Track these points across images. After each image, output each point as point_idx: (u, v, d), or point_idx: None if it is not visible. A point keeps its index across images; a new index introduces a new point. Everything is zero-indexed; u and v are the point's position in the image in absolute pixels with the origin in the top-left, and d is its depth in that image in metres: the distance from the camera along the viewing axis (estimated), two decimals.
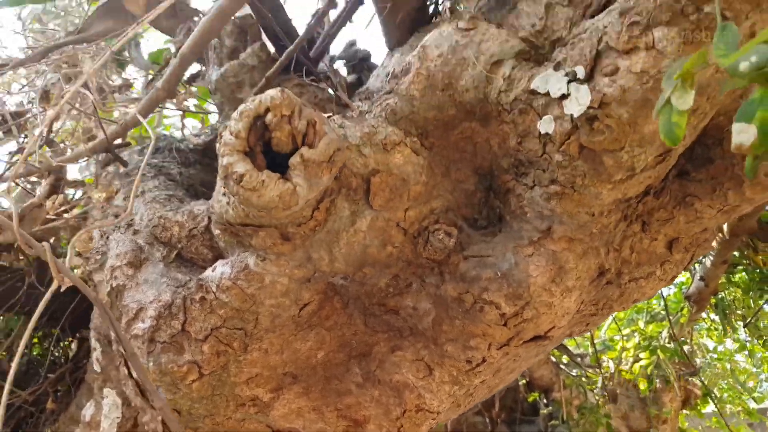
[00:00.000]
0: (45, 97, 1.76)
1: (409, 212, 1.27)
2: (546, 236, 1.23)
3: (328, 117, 1.28)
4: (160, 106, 2.27)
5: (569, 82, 1.12)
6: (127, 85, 2.02)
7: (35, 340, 2.84)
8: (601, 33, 1.10)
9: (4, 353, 2.72)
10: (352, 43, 2.28)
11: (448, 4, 1.66)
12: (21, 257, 2.63)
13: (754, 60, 0.70)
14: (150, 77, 2.37)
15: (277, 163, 1.07)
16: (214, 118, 2.79)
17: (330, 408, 1.34)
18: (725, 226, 2.87)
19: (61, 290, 1.11)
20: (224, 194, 1.13)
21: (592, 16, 1.22)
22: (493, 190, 1.36)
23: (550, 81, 1.15)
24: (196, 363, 1.22)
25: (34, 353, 2.85)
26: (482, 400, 1.56)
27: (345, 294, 1.34)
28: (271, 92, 1.01)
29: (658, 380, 3.71)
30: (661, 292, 3.65)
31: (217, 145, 1.02)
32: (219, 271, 1.23)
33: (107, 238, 1.60)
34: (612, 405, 3.70)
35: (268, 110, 1.00)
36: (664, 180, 1.36)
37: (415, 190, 1.27)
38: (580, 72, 1.11)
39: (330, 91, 1.91)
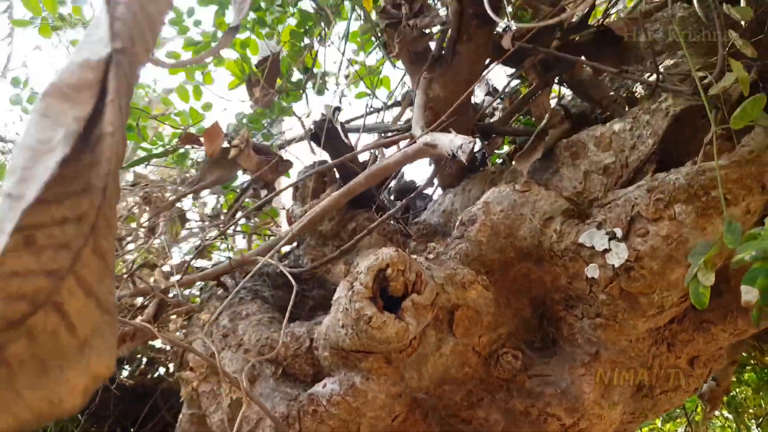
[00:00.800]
0: (152, 229, 2.10)
1: (482, 338, 1.56)
2: (594, 359, 1.51)
3: (415, 258, 1.60)
4: (233, 231, 2.61)
5: (610, 239, 1.46)
6: (218, 215, 2.38)
7: None
8: (633, 203, 1.45)
9: None
10: (402, 176, 2.67)
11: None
12: None
13: (754, 254, 1.03)
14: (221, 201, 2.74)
15: (386, 304, 1.38)
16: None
17: None
18: None
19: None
20: (342, 326, 1.42)
21: (623, 186, 1.58)
22: (546, 318, 1.66)
23: (594, 237, 1.48)
24: None
25: None
26: None
27: (425, 406, 1.60)
28: (389, 252, 1.33)
29: None
30: None
31: (349, 292, 1.33)
32: (329, 387, 1.50)
33: (211, 355, 1.87)
34: None
35: (388, 265, 1.32)
36: (685, 309, 1.66)
37: (486, 320, 1.57)
38: (618, 233, 1.44)
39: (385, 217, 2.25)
